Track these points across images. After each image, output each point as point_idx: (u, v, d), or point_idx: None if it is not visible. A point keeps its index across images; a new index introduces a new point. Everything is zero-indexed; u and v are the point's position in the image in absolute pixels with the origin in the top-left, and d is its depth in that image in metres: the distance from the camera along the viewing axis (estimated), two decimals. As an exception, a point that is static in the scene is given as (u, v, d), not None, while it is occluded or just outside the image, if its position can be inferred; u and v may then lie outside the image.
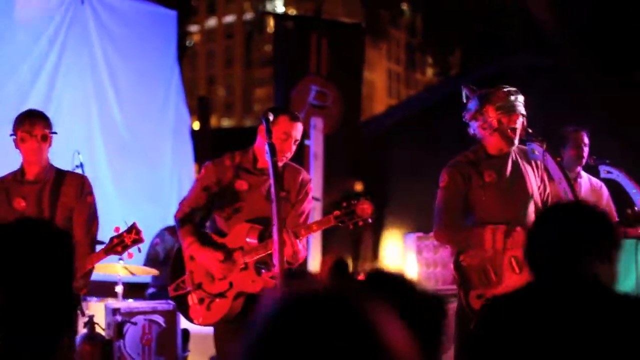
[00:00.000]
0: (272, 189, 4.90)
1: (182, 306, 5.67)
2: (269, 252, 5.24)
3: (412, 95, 22.40)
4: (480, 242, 5.37)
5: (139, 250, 5.79)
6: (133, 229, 5.67)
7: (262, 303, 1.67)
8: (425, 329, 2.23)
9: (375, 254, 10.35)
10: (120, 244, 5.61)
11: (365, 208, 5.18)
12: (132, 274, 7.71)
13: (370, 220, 5.26)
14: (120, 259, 7.39)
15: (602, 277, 2.87)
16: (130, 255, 5.99)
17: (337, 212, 5.24)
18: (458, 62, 19.34)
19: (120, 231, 5.65)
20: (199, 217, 5.74)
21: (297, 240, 5.27)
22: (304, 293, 1.64)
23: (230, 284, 5.46)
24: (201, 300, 5.55)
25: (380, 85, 55.91)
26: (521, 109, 5.51)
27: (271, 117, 5.30)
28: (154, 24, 11.38)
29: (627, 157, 8.39)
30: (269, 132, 5.11)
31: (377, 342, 1.56)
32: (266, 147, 5.04)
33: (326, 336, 1.54)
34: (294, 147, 5.53)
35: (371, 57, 39.64)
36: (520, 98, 5.53)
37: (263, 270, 5.41)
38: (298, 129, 5.51)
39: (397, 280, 2.38)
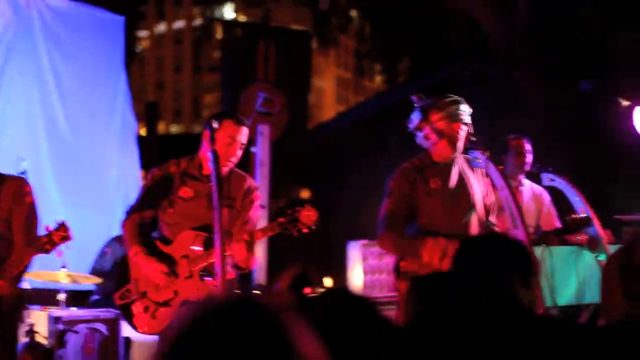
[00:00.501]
0: (214, 197, 4.88)
1: (127, 315, 5.63)
2: (214, 260, 5.24)
3: (360, 102, 22.43)
4: (418, 254, 5.39)
5: (67, 247, 5.81)
6: (61, 227, 5.65)
7: (177, 313, 1.68)
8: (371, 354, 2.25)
9: (320, 262, 10.33)
10: (49, 242, 5.56)
11: (310, 215, 5.18)
12: (75, 281, 7.64)
13: (314, 227, 5.25)
14: (63, 267, 7.33)
15: (524, 301, 2.95)
16: (59, 254, 5.94)
17: (281, 219, 5.23)
18: (406, 69, 19.43)
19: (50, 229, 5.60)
20: (145, 224, 5.70)
21: (244, 246, 5.25)
22: (217, 303, 1.64)
23: (175, 293, 5.43)
24: (146, 309, 5.52)
25: (330, 92, 56.03)
26: (465, 118, 5.55)
27: (215, 125, 5.28)
28: (101, 29, 11.28)
29: (571, 165, 8.48)
30: (212, 139, 5.09)
31: (288, 353, 1.57)
32: (209, 155, 5.03)
33: (238, 346, 1.55)
34: (239, 152, 5.49)
35: (320, 64, 39.73)
36: (464, 107, 5.57)
37: (206, 278, 5.37)
38: (243, 132, 5.48)
39: (354, 302, 2.39)
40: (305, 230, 5.20)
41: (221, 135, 5.35)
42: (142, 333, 5.64)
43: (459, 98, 5.60)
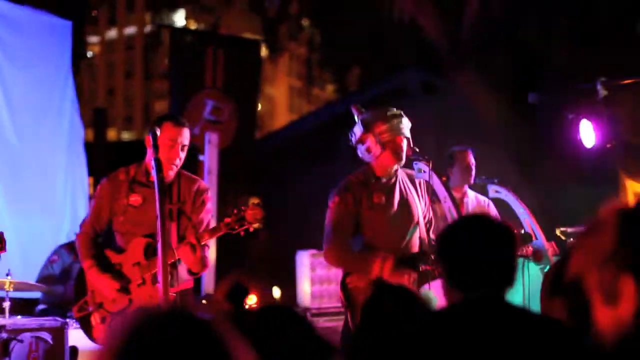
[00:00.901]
0: (157, 204, 4.89)
1: (86, 326, 5.69)
2: (168, 263, 5.21)
3: (311, 111, 22.49)
4: (367, 270, 5.41)
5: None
6: None
7: (111, 326, 1.70)
8: None
9: (269, 271, 10.34)
10: None
11: (255, 213, 5.25)
12: (20, 289, 7.56)
13: (260, 226, 5.29)
14: (8, 275, 7.26)
15: None
16: None
17: (227, 220, 5.29)
18: (356, 78, 19.50)
19: None
20: (99, 236, 5.75)
21: (189, 250, 5.24)
22: (151, 315, 1.66)
23: (130, 301, 5.47)
24: (103, 320, 5.58)
25: (282, 100, 55.98)
26: (405, 131, 5.58)
27: (158, 131, 5.28)
28: (48, 33, 11.17)
29: (518, 176, 8.57)
30: (155, 146, 5.11)
31: None
32: (152, 163, 5.03)
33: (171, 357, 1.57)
34: (182, 154, 5.50)
35: (272, 72, 39.70)
36: (405, 121, 5.60)
37: (158, 284, 5.36)
38: (184, 134, 5.48)
39: (291, 319, 2.40)
40: (251, 229, 5.28)
41: (162, 139, 5.36)
42: (101, 344, 5.60)
43: (400, 112, 5.64)
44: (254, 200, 5.72)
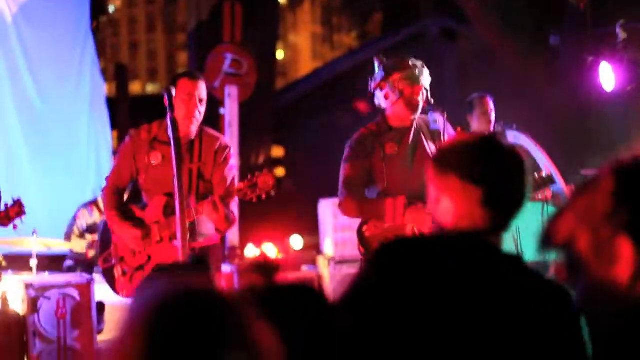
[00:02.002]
0: (174, 164, 4.93)
1: (110, 279, 5.74)
2: (188, 222, 5.25)
3: (333, 59, 22.39)
4: (381, 215, 5.45)
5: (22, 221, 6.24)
6: (16, 203, 6.13)
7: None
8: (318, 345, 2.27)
9: (292, 220, 10.40)
10: (5, 217, 6.06)
11: (267, 180, 5.27)
12: (47, 247, 7.68)
13: (272, 193, 5.32)
14: (34, 233, 7.37)
15: None
16: (14, 227, 6.25)
17: (240, 185, 5.33)
18: (378, 24, 19.39)
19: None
20: (123, 191, 5.81)
21: (211, 208, 5.28)
22: (174, 296, 1.69)
23: (149, 257, 5.53)
24: (124, 273, 5.63)
25: (305, 47, 55.73)
26: (425, 81, 5.58)
27: (174, 91, 5.31)
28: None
29: (538, 121, 8.54)
30: (171, 106, 5.14)
31: (244, 343, 1.63)
32: (167, 122, 5.06)
33: (194, 337, 1.61)
34: (201, 108, 5.51)
35: (294, 19, 39.51)
36: (425, 71, 5.60)
37: (174, 242, 5.41)
38: (200, 87, 5.49)
39: (312, 299, 2.40)
40: (264, 196, 5.30)
41: (179, 94, 5.40)
42: (124, 297, 5.74)
43: (421, 62, 5.63)
44: (278, 154, 5.70)
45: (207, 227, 5.55)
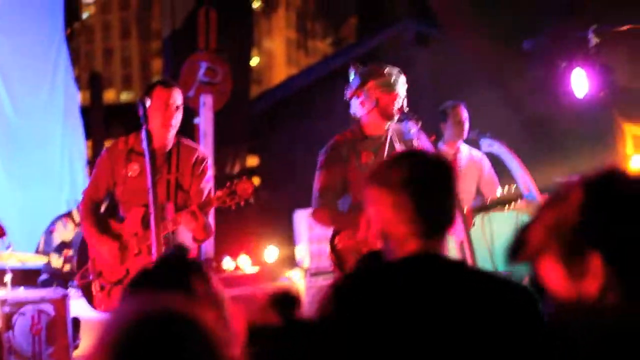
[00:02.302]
0: (148, 176, 4.92)
1: (87, 294, 5.71)
2: (165, 232, 5.25)
3: (310, 64, 22.41)
4: (355, 226, 5.43)
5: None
6: None
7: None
8: None
9: (266, 231, 10.37)
10: None
11: (246, 187, 5.26)
12: (22, 261, 7.62)
13: (251, 200, 5.31)
14: (8, 247, 7.30)
15: None
16: None
17: (218, 193, 5.30)
18: (353, 29, 19.42)
19: None
20: (100, 204, 5.80)
21: (191, 218, 5.26)
22: (142, 315, 1.68)
23: (127, 271, 5.49)
24: (102, 288, 5.61)
25: (280, 53, 55.78)
26: (400, 89, 5.57)
27: (148, 101, 5.30)
28: (39, 1, 11.15)
29: (513, 128, 8.57)
30: (145, 117, 5.13)
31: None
32: (142, 134, 5.05)
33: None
34: (178, 115, 5.50)
35: (269, 25, 39.53)
36: (401, 79, 5.59)
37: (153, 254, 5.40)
38: (175, 95, 5.48)
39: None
40: (242, 203, 5.29)
41: (155, 103, 5.39)
42: (101, 312, 5.70)
43: (397, 69, 5.62)
44: (253, 163, 5.69)
45: (185, 238, 5.53)
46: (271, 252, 10.17)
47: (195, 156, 5.61)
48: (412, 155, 2.89)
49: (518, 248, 2.12)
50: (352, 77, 5.68)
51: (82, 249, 5.80)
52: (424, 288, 2.59)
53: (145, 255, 5.40)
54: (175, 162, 5.54)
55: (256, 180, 13.76)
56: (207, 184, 5.61)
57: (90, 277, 5.64)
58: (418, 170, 2.72)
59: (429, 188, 2.70)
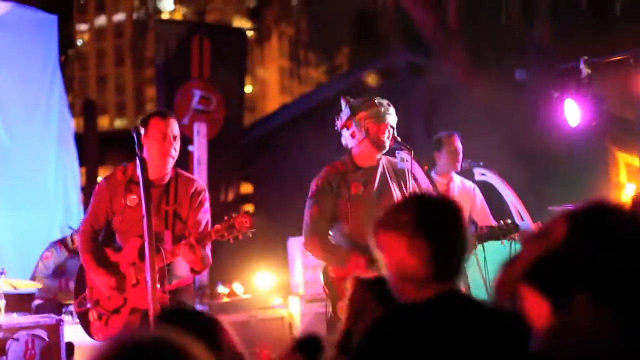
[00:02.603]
0: (143, 205, 4.92)
1: (85, 322, 5.73)
2: (161, 266, 5.26)
3: (303, 93, 22.44)
4: (343, 264, 5.46)
5: None
6: None
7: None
8: None
9: (261, 258, 10.36)
10: None
11: (244, 222, 5.28)
12: (15, 287, 7.61)
13: (250, 235, 5.34)
14: (2, 273, 7.30)
15: None
16: None
17: (217, 227, 5.32)
18: (346, 58, 19.46)
19: None
20: (99, 233, 5.77)
21: (189, 250, 5.30)
22: (134, 342, 1.69)
23: (125, 300, 5.52)
24: (100, 316, 5.63)
25: (273, 81, 55.86)
26: (391, 119, 5.60)
27: (142, 130, 5.32)
28: (34, 29, 11.16)
29: (505, 156, 8.60)
30: (139, 146, 5.14)
31: None
32: (137, 162, 5.05)
33: None
34: (176, 145, 5.52)
35: (261, 54, 39.60)
36: (391, 110, 5.63)
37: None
38: (172, 125, 5.51)
39: None
40: (240, 237, 5.31)
41: (152, 134, 5.41)
42: (99, 340, 5.70)
43: (387, 102, 5.66)
44: (247, 190, 5.68)
45: (182, 269, 5.56)
46: (264, 279, 10.16)
47: (194, 188, 5.63)
48: (422, 198, 2.90)
49: (498, 287, 2.13)
50: (342, 108, 5.73)
51: (79, 276, 5.82)
52: (450, 330, 2.59)
53: (143, 286, 5.36)
54: (173, 193, 5.57)
55: (250, 208, 13.81)
56: (205, 215, 5.62)
57: (88, 305, 5.66)
58: (430, 213, 2.74)
59: (441, 231, 2.71)
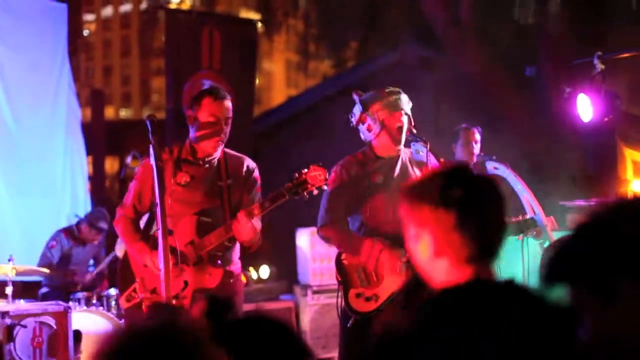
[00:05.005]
0: (156, 191, 4.82)
1: (138, 315, 5.35)
2: (224, 239, 5.16)
3: (310, 86, 22.40)
4: (357, 252, 5.43)
5: None
6: None
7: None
8: None
9: (269, 250, 10.35)
10: None
11: (318, 174, 5.05)
12: (22, 274, 7.62)
13: (324, 187, 5.11)
14: (10, 260, 7.30)
15: None
16: None
17: (288, 185, 5.06)
18: (354, 52, 19.42)
19: None
20: (140, 219, 5.58)
21: (252, 220, 5.08)
22: (137, 333, 1.68)
23: (185, 283, 5.22)
24: None
25: (279, 74, 55.89)
26: (405, 107, 5.57)
27: (193, 109, 5.26)
28: (43, 17, 11.18)
29: (516, 151, 8.58)
30: (153, 134, 4.95)
31: None
32: (150, 150, 4.92)
33: None
34: (226, 129, 5.34)
35: (269, 47, 39.59)
36: (404, 97, 5.59)
37: (219, 262, 5.26)
38: (225, 107, 5.34)
39: (272, 329, 2.33)
40: (315, 192, 5.07)
41: (203, 116, 5.27)
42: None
43: (398, 89, 5.62)
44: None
45: (235, 256, 5.44)
46: (272, 270, 10.17)
47: (245, 166, 5.47)
48: (468, 174, 2.66)
49: (554, 271, 2.07)
50: (354, 104, 5.68)
51: (124, 269, 5.53)
52: (497, 315, 2.43)
53: (206, 264, 5.24)
54: (224, 170, 5.39)
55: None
56: (258, 193, 5.46)
57: (140, 297, 5.35)
58: (478, 189, 2.60)
59: (489, 207, 2.59)
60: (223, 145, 5.42)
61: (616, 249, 1.94)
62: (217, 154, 5.42)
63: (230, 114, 5.40)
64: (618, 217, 2.01)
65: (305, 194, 5.04)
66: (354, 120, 5.66)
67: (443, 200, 2.56)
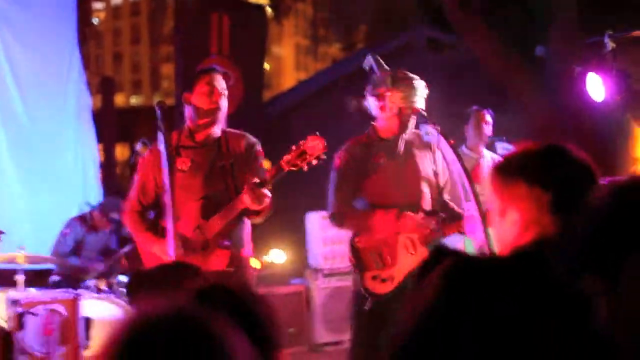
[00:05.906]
0: (165, 178, 4.80)
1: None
2: (230, 218, 5.09)
3: (319, 69, 22.38)
4: (370, 228, 5.41)
5: None
6: None
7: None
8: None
9: (280, 233, 10.36)
10: None
11: (316, 144, 4.91)
12: (34, 262, 7.62)
13: (324, 157, 4.96)
14: (21, 249, 7.30)
15: None
16: None
17: (287, 157, 4.91)
18: (363, 36, 19.39)
19: None
20: (148, 210, 5.52)
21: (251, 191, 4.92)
22: (150, 318, 1.65)
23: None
24: None
25: (288, 58, 55.87)
26: (421, 102, 5.51)
27: (189, 93, 5.25)
28: (53, 8, 11.17)
29: (526, 132, 8.55)
30: (163, 120, 4.91)
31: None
32: (159, 136, 4.90)
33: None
34: (222, 102, 5.27)
35: (279, 31, 39.56)
36: (425, 92, 5.52)
37: (226, 243, 5.19)
38: (218, 79, 5.30)
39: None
40: (315, 162, 4.92)
41: (198, 90, 5.26)
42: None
43: (417, 77, 5.55)
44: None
45: (244, 236, 5.36)
46: (283, 254, 10.17)
47: (246, 140, 5.39)
48: (567, 155, 2.53)
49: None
50: (374, 69, 5.59)
51: (134, 262, 5.59)
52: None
53: (214, 247, 5.17)
54: (225, 148, 5.31)
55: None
56: (261, 168, 5.33)
57: None
58: (574, 174, 2.49)
59: (573, 188, 2.46)
60: (222, 118, 5.36)
61: (625, 228, 1.88)
62: (217, 132, 5.36)
63: (225, 89, 5.35)
64: (634, 195, 1.96)
65: (304, 165, 4.91)
66: (370, 89, 5.58)
67: (542, 179, 2.47)
